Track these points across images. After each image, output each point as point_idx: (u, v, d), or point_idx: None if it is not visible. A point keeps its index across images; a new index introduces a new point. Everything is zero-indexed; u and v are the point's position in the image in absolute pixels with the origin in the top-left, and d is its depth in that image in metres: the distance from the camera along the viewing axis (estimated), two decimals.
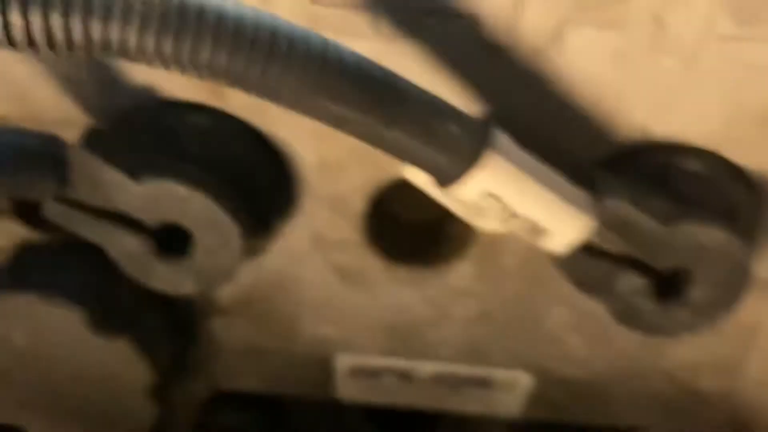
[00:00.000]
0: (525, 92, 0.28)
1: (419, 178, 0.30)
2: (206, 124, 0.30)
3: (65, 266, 0.33)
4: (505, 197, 0.26)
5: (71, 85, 0.29)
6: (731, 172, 0.29)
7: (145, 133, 0.29)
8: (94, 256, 0.31)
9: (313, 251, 0.33)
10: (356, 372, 0.38)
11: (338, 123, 0.24)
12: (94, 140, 0.28)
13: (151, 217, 0.28)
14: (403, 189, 0.31)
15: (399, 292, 0.34)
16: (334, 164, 0.31)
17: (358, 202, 0.32)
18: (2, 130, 0.28)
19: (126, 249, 0.29)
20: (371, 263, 0.33)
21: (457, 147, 0.25)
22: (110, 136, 0.29)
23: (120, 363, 0.33)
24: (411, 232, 0.35)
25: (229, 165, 0.30)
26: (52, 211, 0.28)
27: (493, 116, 0.28)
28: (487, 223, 0.31)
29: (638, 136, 0.29)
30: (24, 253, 0.34)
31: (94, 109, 0.30)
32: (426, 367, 0.37)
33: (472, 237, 0.33)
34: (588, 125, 0.29)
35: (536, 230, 0.27)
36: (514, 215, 0.26)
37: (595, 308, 0.34)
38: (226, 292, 0.35)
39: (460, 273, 0.33)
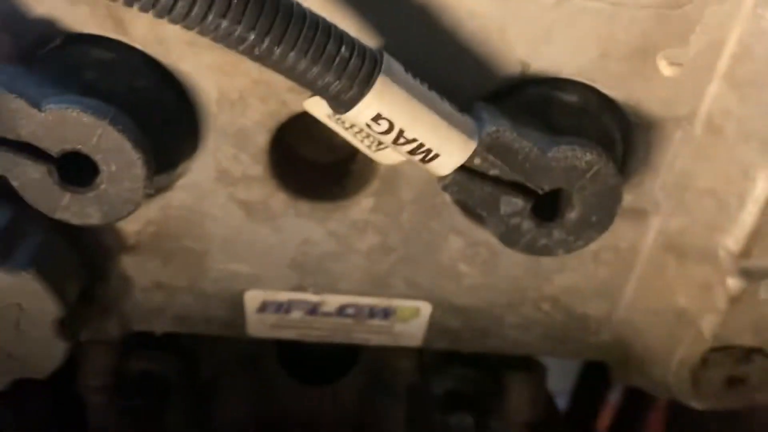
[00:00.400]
0: (414, 29, 0.30)
1: (319, 111, 0.32)
2: (109, 57, 0.30)
3: None
4: (396, 120, 0.28)
5: None
6: (604, 104, 0.32)
7: (48, 66, 0.30)
8: None
9: (218, 186, 0.34)
10: (265, 308, 0.39)
11: (234, 43, 0.25)
12: None
13: (54, 145, 0.29)
14: (305, 126, 0.33)
15: (303, 226, 0.36)
16: (236, 99, 0.32)
17: (260, 137, 0.33)
18: None
19: (31, 179, 0.30)
20: (275, 198, 0.35)
21: (351, 70, 0.26)
22: (13, 69, 0.29)
23: (27, 297, 0.33)
24: (314, 168, 0.36)
25: (132, 97, 0.30)
26: None
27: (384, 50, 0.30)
28: (384, 155, 0.33)
29: (518, 71, 0.31)
30: None
31: None
32: (332, 301, 0.39)
33: (372, 172, 0.35)
34: (473, 61, 0.31)
35: (425, 153, 0.29)
36: (405, 139, 0.28)
37: (486, 237, 0.36)
38: (134, 229, 0.36)
39: (361, 206, 0.35)
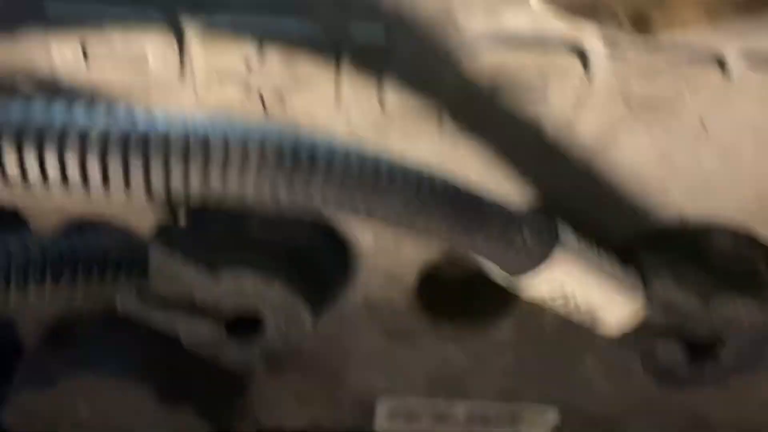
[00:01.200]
0: (577, 181, 0.30)
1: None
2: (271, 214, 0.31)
3: (124, 341, 0.34)
4: (569, 288, 0.28)
5: None
6: (759, 247, 0.32)
7: (212, 226, 0.30)
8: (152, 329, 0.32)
9: (365, 316, 0.35)
10: (395, 415, 0.40)
11: (431, 235, 0.26)
12: (168, 237, 0.29)
13: (228, 307, 0.30)
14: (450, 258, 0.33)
15: (443, 346, 0.36)
16: (390, 244, 0.32)
17: (410, 276, 0.33)
18: (87, 230, 0.29)
19: (199, 335, 0.30)
20: (419, 324, 0.35)
21: (530, 250, 0.27)
22: (185, 234, 0.30)
23: (183, 428, 0.34)
24: (457, 294, 0.37)
25: (295, 252, 0.31)
26: (128, 303, 0.29)
27: (547, 198, 0.30)
28: (529, 286, 0.33)
29: (676, 219, 0.31)
30: (70, 324, 0.34)
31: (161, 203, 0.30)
32: (461, 408, 0.40)
33: (514, 297, 0.35)
34: (631, 210, 0.31)
35: (593, 314, 0.29)
36: (575, 304, 0.29)
37: (623, 354, 0.37)
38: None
39: (502, 329, 0.36)
